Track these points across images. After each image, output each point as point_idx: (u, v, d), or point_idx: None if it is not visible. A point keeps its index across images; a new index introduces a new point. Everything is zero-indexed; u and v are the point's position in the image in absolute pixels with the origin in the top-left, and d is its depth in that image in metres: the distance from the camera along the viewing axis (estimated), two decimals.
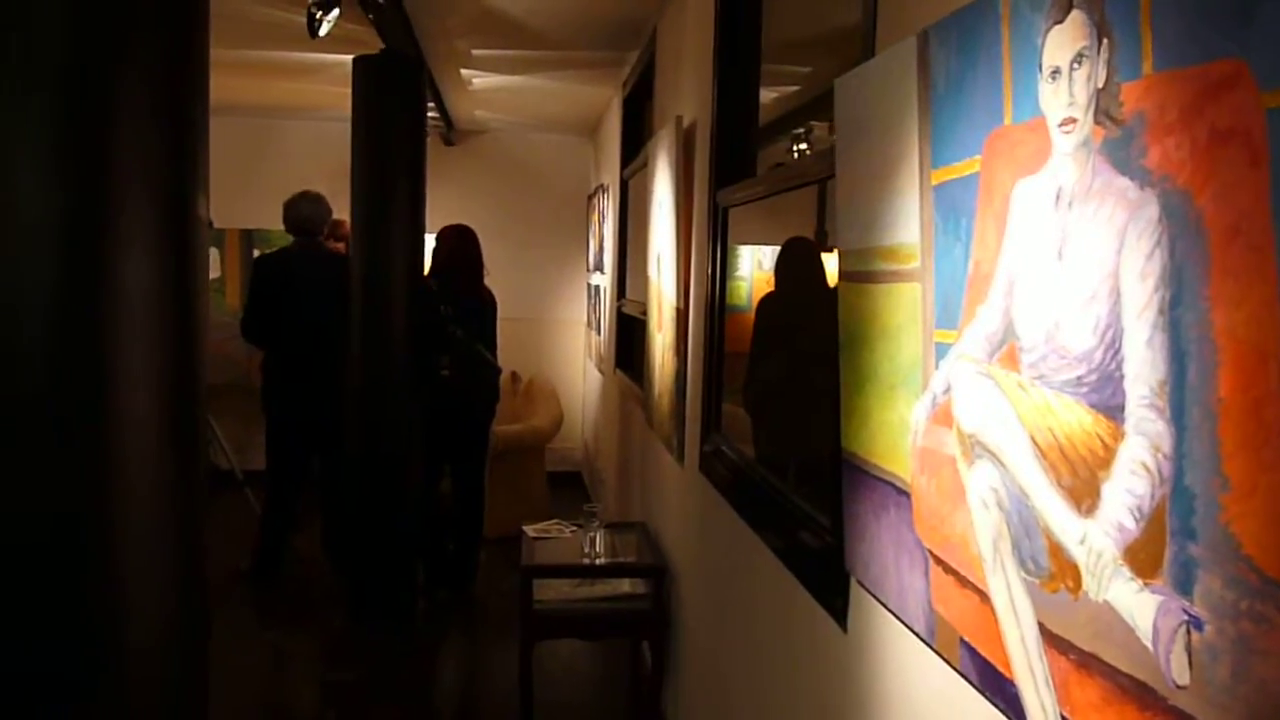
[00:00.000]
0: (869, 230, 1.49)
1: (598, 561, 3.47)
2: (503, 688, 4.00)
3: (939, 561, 1.27)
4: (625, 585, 3.47)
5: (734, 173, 2.85)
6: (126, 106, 1.35)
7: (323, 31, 3.44)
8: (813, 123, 4.59)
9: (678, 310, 3.22)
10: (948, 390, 1.24)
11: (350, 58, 4.59)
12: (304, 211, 4.96)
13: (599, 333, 6.40)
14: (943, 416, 1.25)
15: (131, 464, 1.37)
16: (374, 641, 4.42)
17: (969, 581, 1.19)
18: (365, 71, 4.48)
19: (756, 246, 4.71)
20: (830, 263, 3.53)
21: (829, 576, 1.78)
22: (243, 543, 5.06)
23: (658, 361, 3.62)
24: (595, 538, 3.60)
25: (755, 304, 4.27)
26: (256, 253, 6.83)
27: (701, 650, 2.97)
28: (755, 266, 4.79)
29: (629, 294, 5.18)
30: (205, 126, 1.48)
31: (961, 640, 1.22)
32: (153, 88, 1.37)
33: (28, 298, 1.31)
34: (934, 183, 1.27)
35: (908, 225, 1.35)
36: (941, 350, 1.25)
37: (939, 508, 1.26)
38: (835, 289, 2.58)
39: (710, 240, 2.92)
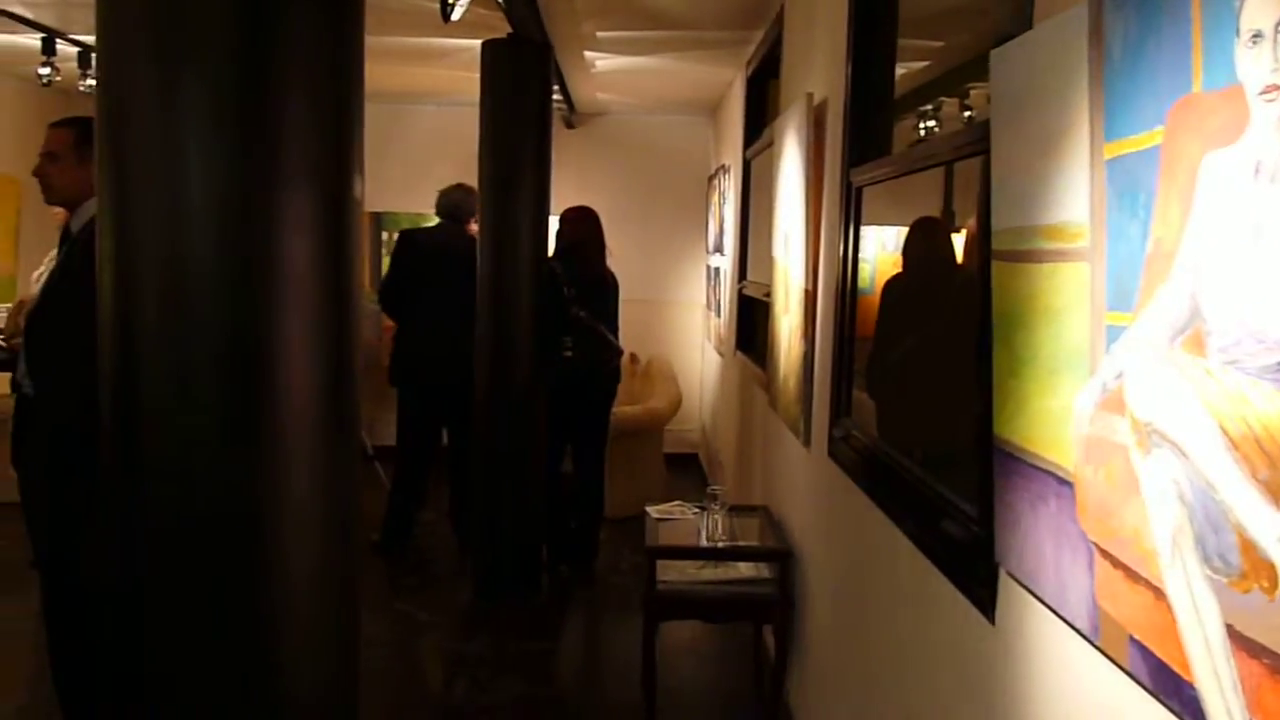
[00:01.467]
0: (1029, 208, 1.43)
1: (721, 544, 3.46)
2: (624, 664, 4.03)
3: (1106, 555, 1.21)
4: (749, 569, 3.45)
5: (868, 151, 2.78)
6: (289, 92, 1.40)
7: (455, 16, 3.50)
8: (942, 99, 4.45)
9: (806, 292, 3.17)
10: (1120, 376, 1.18)
11: (479, 42, 4.65)
12: (455, 199, 5.15)
13: (718, 315, 6.37)
14: (1114, 403, 1.19)
15: (292, 437, 1.42)
16: (499, 615, 4.52)
17: (1141, 577, 1.13)
18: (494, 56, 4.54)
19: (878, 227, 4.60)
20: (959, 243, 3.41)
21: (975, 567, 1.73)
22: (372, 515, 5.22)
23: (783, 344, 3.57)
24: (718, 520, 3.58)
25: (879, 286, 4.17)
26: (385, 235, 7.03)
27: (828, 637, 2.93)
28: (878, 248, 4.68)
29: (751, 276, 5.13)
30: (361, 110, 1.52)
31: (1131, 639, 1.16)
32: (313, 73, 1.42)
33: (196, 277, 1.37)
34: (1107, 156, 1.21)
35: (1075, 202, 1.29)
36: (1113, 333, 1.19)
37: (1107, 499, 1.20)
38: (971, 270, 2.49)
39: (842, 220, 2.86)
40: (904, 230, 3.46)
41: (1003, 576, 1.62)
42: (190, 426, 1.39)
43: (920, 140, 2.83)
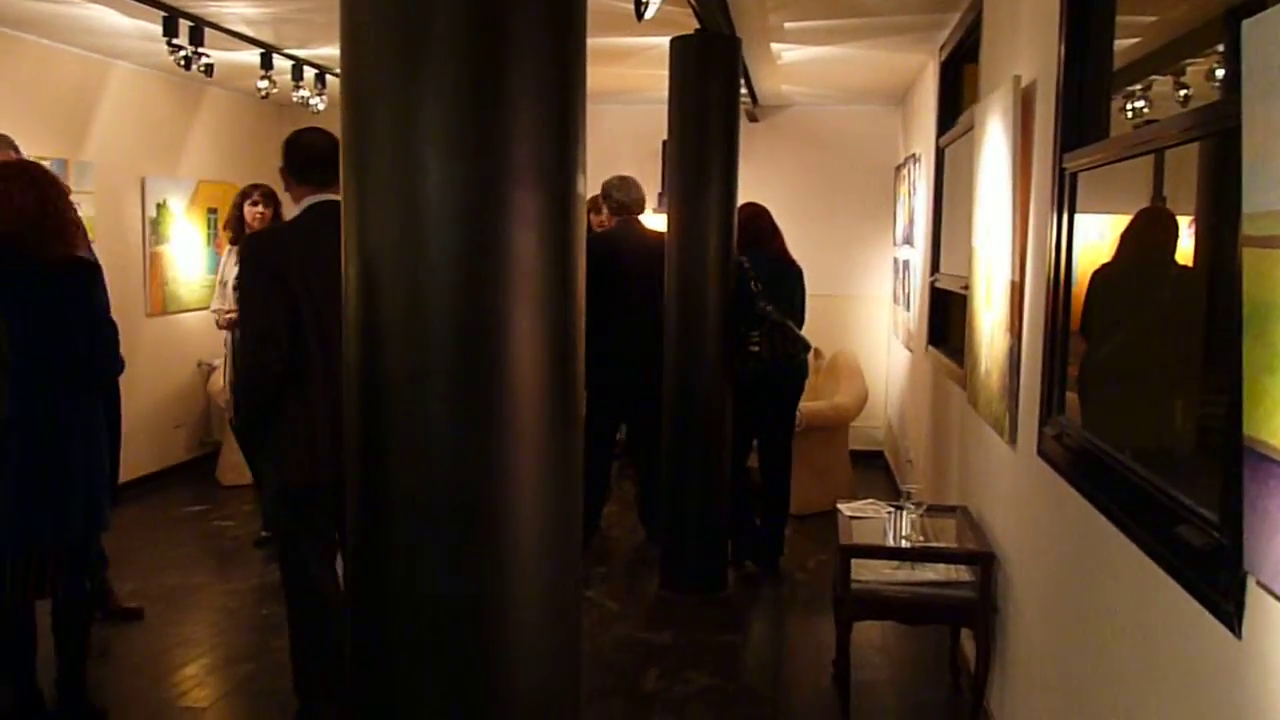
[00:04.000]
0: None
1: (917, 544, 3.37)
2: (812, 661, 4.00)
3: None
4: (943, 570, 3.34)
5: (1084, 135, 2.64)
6: (519, 92, 1.45)
7: (648, 14, 3.54)
8: (1153, 78, 4.17)
9: (1012, 284, 3.04)
10: None
11: (667, 39, 4.69)
12: (620, 194, 5.21)
13: (907, 309, 6.20)
14: None
15: (521, 424, 1.48)
16: (686, 607, 4.55)
17: None
18: (682, 52, 4.57)
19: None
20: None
21: (1217, 576, 1.61)
22: None
23: (985, 339, 3.43)
24: (914, 520, 3.49)
25: (1083, 276, 3.94)
26: None
27: (1036, 645, 2.81)
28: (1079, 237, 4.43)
29: (944, 268, 4.97)
30: (583, 112, 1.57)
31: None
32: (541, 74, 1.47)
33: (432, 272, 1.45)
34: None
35: None
36: None
37: None
38: (1202, 259, 2.32)
39: (1054, 208, 2.73)
40: (1106, 218, 3.26)
41: (1251, 587, 1.50)
42: (427, 414, 1.47)
43: (1147, 121, 2.66)
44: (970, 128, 3.89)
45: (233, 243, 5.16)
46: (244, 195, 5.10)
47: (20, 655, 3.15)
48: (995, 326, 3.26)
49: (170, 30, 4.73)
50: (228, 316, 4.97)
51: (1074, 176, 2.66)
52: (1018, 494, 3.06)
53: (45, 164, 3.60)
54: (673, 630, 4.32)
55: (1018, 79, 3.03)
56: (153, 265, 6.40)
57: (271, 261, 2.89)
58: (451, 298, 1.44)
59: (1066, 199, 2.68)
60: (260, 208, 5.03)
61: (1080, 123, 2.66)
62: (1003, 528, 3.24)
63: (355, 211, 1.50)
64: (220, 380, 6.47)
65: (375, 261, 1.47)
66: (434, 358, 1.46)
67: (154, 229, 6.41)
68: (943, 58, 5.12)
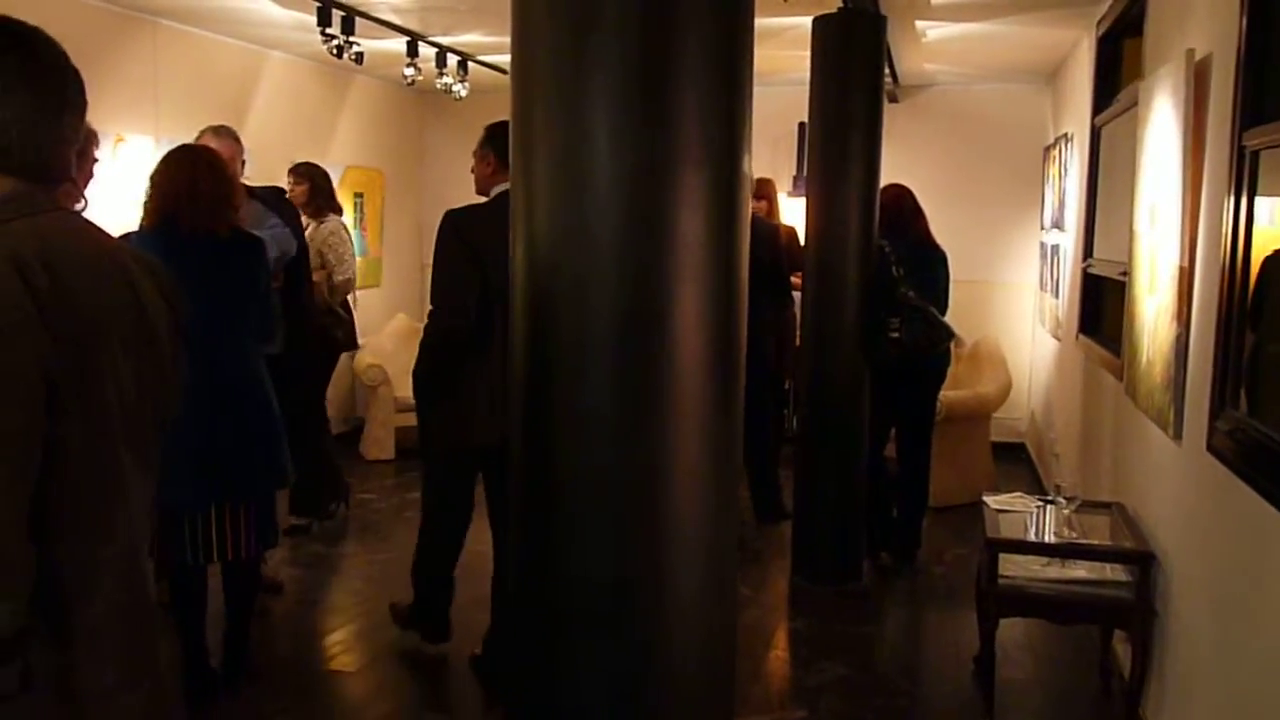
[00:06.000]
0: None
1: (1068, 540, 3.23)
2: (950, 656, 3.90)
3: None
4: (1093, 569, 3.20)
5: (1266, 110, 2.46)
6: (687, 72, 1.45)
7: None
8: None
9: (1181, 270, 2.87)
10: None
11: (808, 19, 4.61)
12: None
13: (1055, 295, 5.95)
14: None
15: (684, 403, 1.48)
16: (819, 596, 4.49)
17: None
18: (825, 30, 4.49)
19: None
20: None
21: None
22: None
23: (1147, 326, 3.26)
24: (1064, 515, 3.35)
25: (1257, 263, 3.69)
26: None
27: (1202, 651, 2.66)
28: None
29: (1099, 253, 4.74)
30: (749, 93, 1.55)
31: None
32: (709, 56, 1.47)
33: (600, 250, 1.46)
34: None
35: None
36: None
37: None
38: None
39: (1231, 189, 2.56)
40: (1270, 200, 3.03)
41: None
42: (590, 393, 1.48)
43: None
44: (1132, 105, 3.69)
45: None
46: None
47: (194, 613, 3.34)
48: (1159, 314, 3.09)
49: (324, 20, 4.90)
50: None
51: (1255, 155, 2.49)
52: (1182, 491, 2.89)
53: None
54: (805, 619, 4.27)
55: (1191, 53, 2.86)
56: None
57: (469, 239, 3.04)
58: (617, 277, 1.45)
59: (1246, 179, 2.51)
60: (292, 185, 5.18)
61: (1263, 98, 2.49)
62: (1163, 526, 3.08)
63: (523, 189, 1.52)
64: (365, 359, 6.71)
65: (542, 239, 1.49)
66: (598, 337, 1.47)
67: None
68: (1100, 32, 4.87)
